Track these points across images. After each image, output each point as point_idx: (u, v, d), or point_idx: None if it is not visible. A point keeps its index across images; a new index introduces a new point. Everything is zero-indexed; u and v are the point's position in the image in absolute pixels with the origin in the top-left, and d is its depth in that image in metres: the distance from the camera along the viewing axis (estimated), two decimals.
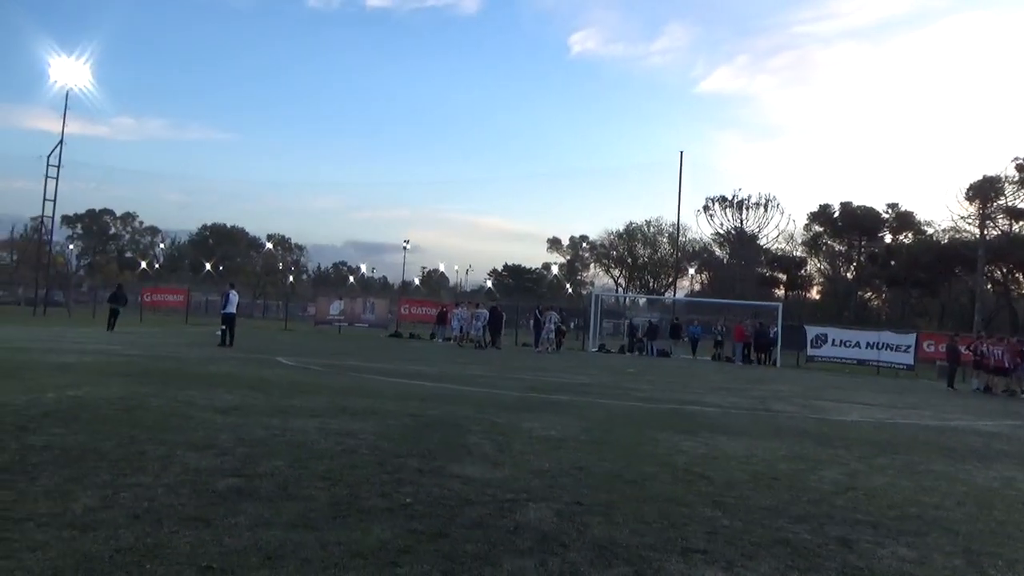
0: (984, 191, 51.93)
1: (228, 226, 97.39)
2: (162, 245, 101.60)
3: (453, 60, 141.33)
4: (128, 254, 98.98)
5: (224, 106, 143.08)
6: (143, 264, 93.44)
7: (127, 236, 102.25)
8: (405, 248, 77.39)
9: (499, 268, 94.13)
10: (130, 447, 5.54)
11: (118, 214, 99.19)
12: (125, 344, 17.94)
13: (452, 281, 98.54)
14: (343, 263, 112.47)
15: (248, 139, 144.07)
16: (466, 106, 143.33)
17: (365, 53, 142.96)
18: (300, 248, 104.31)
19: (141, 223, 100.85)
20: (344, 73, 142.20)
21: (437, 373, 14.90)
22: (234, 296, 20.13)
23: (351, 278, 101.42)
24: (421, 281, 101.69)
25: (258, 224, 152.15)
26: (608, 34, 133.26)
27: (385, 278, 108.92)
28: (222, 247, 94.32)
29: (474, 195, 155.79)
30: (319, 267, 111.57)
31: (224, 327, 19.40)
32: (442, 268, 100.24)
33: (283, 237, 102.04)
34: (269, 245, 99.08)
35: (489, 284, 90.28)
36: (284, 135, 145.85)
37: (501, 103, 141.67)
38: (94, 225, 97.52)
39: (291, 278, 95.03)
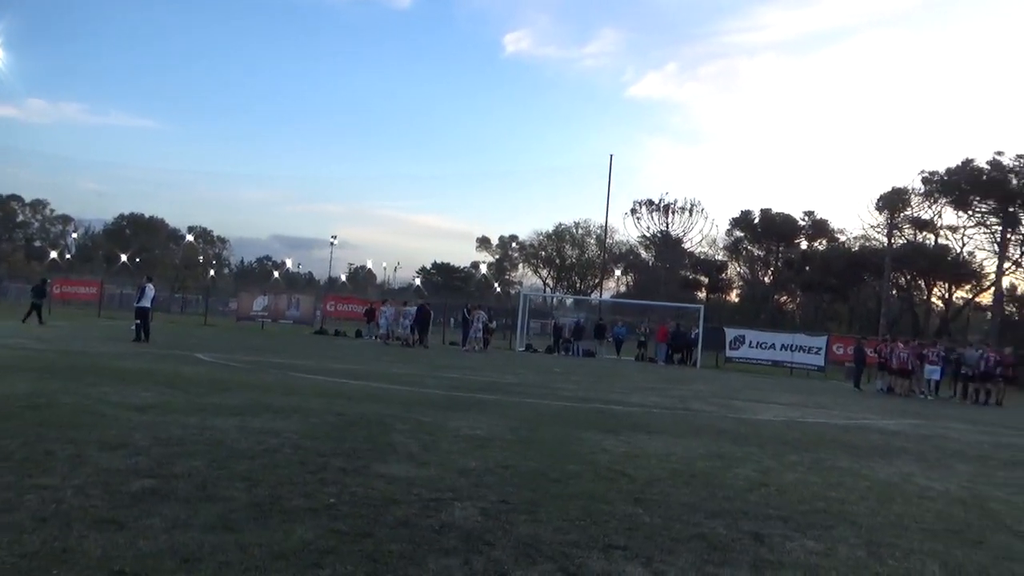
0: (892, 202, 54.73)
1: (146, 216, 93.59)
2: (74, 235, 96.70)
3: (386, 54, 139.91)
4: (37, 243, 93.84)
5: (145, 92, 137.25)
6: (53, 254, 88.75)
7: (36, 224, 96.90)
8: (333, 244, 76.18)
9: (428, 266, 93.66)
10: (37, 446, 5.29)
11: (27, 200, 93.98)
12: (32, 338, 17.03)
13: (380, 278, 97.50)
14: (268, 258, 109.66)
15: (170, 127, 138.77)
16: (398, 101, 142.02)
17: (295, 43, 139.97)
18: (223, 241, 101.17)
19: (52, 211, 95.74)
20: (273, 63, 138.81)
21: (363, 371, 14.73)
22: (150, 290, 19.38)
23: (276, 273, 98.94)
24: (348, 278, 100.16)
25: (179, 215, 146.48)
26: (542, 35, 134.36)
27: (311, 274, 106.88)
28: (139, 238, 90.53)
29: (405, 192, 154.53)
30: (242, 261, 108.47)
31: (138, 322, 18.66)
32: (370, 265, 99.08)
33: (205, 229, 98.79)
34: (190, 237, 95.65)
35: (417, 282, 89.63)
36: (208, 124, 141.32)
37: (434, 100, 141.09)
38: (0, 211, 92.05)
39: (212, 272, 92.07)
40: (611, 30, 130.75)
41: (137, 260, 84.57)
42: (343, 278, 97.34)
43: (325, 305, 36.34)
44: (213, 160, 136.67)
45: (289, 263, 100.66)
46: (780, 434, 9.83)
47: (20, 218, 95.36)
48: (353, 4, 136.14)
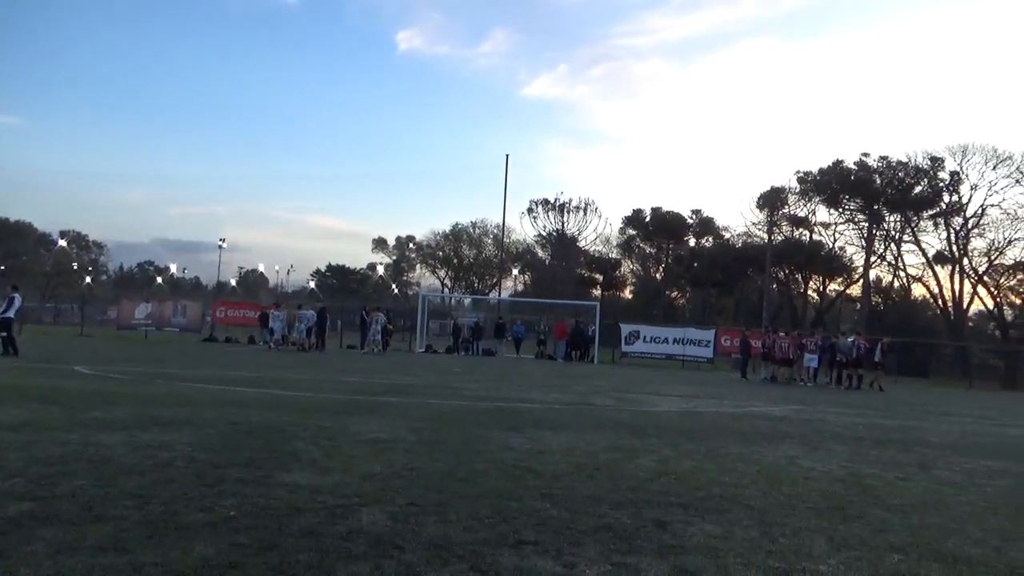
0: (772, 200, 58.01)
1: (12, 220, 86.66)
2: None
3: (275, 50, 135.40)
4: None
5: (7, 86, 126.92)
6: None
7: None
8: (221, 247, 72.80)
9: (323, 268, 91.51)
10: None
11: None
12: None
13: (273, 282, 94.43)
14: (150, 263, 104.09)
15: (36, 124, 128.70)
16: (288, 99, 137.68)
17: (176, 36, 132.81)
18: (99, 246, 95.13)
19: None
20: (151, 57, 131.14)
21: (258, 378, 14.22)
22: (17, 300, 17.97)
23: (159, 278, 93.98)
24: (239, 282, 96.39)
25: (49, 219, 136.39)
26: (435, 34, 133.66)
27: (198, 279, 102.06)
28: (5, 244, 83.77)
29: (297, 193, 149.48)
30: (122, 267, 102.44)
31: (3, 334, 17.26)
32: (261, 268, 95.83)
33: (79, 234, 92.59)
34: (62, 242, 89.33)
35: (312, 285, 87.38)
36: (79, 122, 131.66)
37: (326, 98, 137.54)
38: None
39: (89, 279, 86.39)
40: (503, 30, 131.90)
41: (2, 268, 78.24)
42: (233, 282, 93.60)
43: (215, 311, 34.83)
44: (86, 160, 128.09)
45: (174, 268, 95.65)
46: (676, 424, 10.22)
47: None
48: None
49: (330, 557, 3.57)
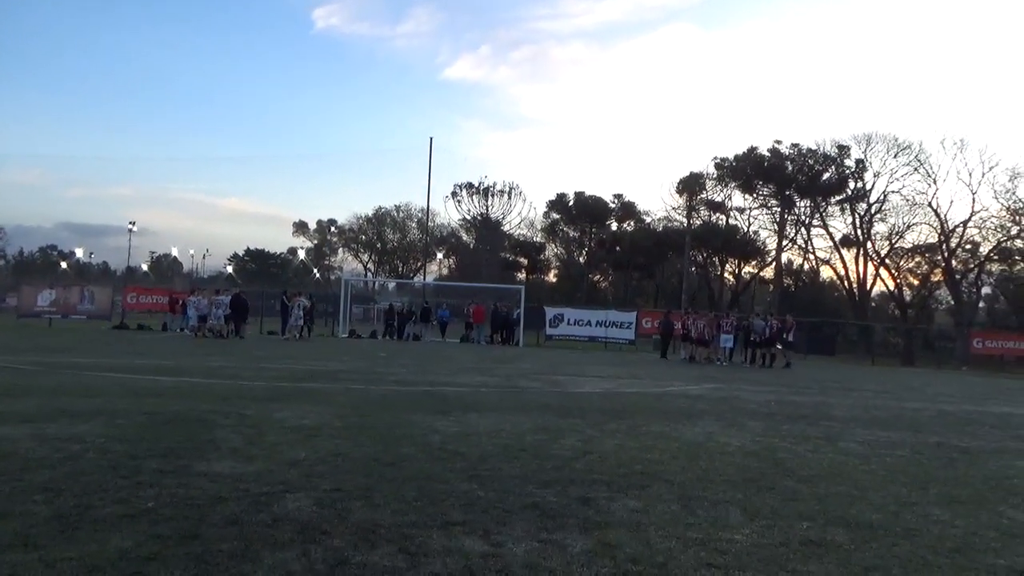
0: (690, 185, 59.53)
1: None
2: None
3: (184, 23, 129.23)
4: None
5: None
6: None
7: None
8: (131, 231, 69.57)
9: (240, 253, 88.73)
10: None
11: None
12: None
13: (187, 267, 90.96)
14: (53, 247, 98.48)
15: None
16: (197, 76, 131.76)
17: (78, 8, 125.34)
18: None
19: None
20: (47, 29, 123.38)
21: (174, 366, 13.72)
22: None
23: (63, 264, 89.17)
24: (150, 267, 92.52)
25: None
26: (352, 12, 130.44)
27: (106, 264, 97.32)
28: None
29: (210, 175, 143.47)
30: (22, 252, 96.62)
31: None
32: (175, 253, 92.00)
33: None
34: None
35: (229, 270, 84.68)
36: None
37: (238, 76, 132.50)
38: None
39: None
40: (424, 9, 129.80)
41: None
42: (145, 267, 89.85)
43: (125, 297, 33.32)
44: None
45: (80, 253, 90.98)
46: (599, 405, 10.45)
47: None
48: None
49: (255, 545, 3.53)
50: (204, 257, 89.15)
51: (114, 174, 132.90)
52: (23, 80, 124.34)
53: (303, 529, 3.81)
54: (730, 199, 60.97)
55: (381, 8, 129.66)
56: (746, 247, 59.86)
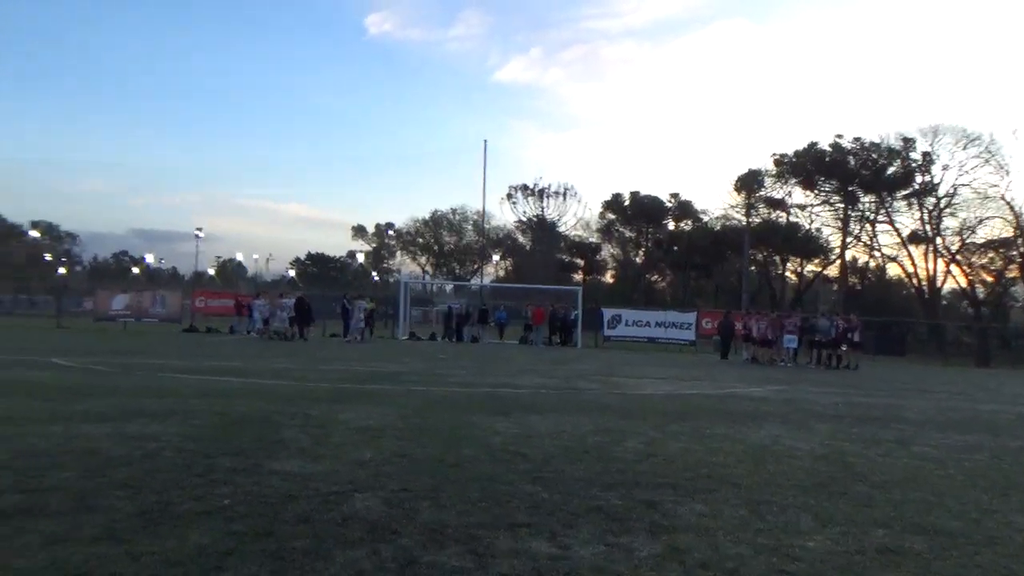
0: (749, 183, 58.41)
1: None
2: None
3: (244, 37, 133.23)
4: None
5: None
6: None
7: None
8: (198, 236, 71.98)
9: (302, 257, 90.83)
10: None
11: None
12: None
13: (251, 271, 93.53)
14: (125, 253, 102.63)
15: (2, 113, 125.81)
16: (256, 85, 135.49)
17: (145, 22, 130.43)
18: (72, 237, 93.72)
19: None
20: (120, 44, 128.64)
21: (242, 368, 14.14)
22: None
23: (135, 269, 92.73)
24: (216, 272, 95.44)
25: (17, 209, 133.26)
26: (405, 17, 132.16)
27: (175, 269, 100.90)
28: None
29: (272, 181, 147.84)
30: (96, 258, 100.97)
31: None
32: (239, 257, 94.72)
33: (51, 224, 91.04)
34: (34, 233, 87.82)
35: (292, 273, 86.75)
36: (43, 110, 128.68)
37: (298, 84, 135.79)
38: None
39: (63, 270, 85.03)
40: (474, 13, 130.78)
41: None
42: (211, 272, 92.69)
43: (194, 301, 34.49)
44: (54, 148, 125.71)
45: (150, 258, 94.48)
46: (661, 407, 10.33)
47: None
48: None
49: (327, 543, 3.60)
50: (267, 261, 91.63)
51: (182, 182, 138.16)
52: (97, 94, 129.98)
53: (372, 528, 3.87)
54: (790, 196, 59.61)
55: (432, 13, 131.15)
56: (808, 245, 58.38)
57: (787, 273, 63.65)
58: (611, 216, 70.47)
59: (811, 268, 62.08)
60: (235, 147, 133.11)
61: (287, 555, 3.39)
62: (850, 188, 54.45)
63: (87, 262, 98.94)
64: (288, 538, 3.64)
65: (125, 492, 4.38)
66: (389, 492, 4.65)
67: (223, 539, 3.58)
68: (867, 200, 55.60)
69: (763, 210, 60.54)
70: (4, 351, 16.44)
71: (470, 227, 79.47)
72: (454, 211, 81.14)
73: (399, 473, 5.22)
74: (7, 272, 72.53)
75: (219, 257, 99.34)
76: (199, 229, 69.71)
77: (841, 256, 57.43)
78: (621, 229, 71.62)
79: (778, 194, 59.63)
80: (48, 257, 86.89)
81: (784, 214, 60.28)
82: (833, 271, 60.54)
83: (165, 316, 32.96)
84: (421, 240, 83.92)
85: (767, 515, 4.55)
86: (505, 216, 72.65)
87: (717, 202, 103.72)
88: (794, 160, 56.83)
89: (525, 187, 68.99)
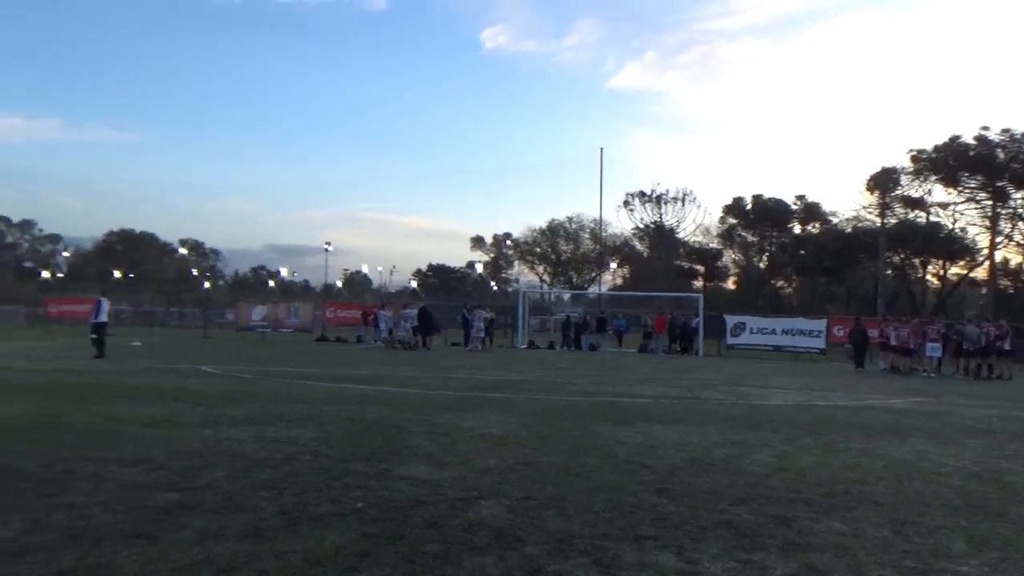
0: (883, 182, 54.93)
1: (136, 232, 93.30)
2: (65, 253, 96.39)
3: (365, 56, 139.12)
4: (27, 264, 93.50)
5: (122, 106, 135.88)
6: (44, 274, 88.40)
7: (26, 244, 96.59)
8: (327, 250, 75.74)
9: (423, 268, 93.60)
10: (56, 466, 5.28)
11: (15, 221, 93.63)
12: (32, 359, 16.99)
13: (376, 282, 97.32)
14: (262, 267, 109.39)
15: (151, 140, 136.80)
16: (380, 103, 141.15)
17: (272, 50, 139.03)
18: (215, 253, 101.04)
19: (41, 230, 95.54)
20: (250, 71, 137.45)
21: (369, 376, 14.73)
22: (105, 304, 18.76)
23: (271, 282, 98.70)
24: (344, 283, 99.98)
25: (169, 229, 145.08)
26: (519, 30, 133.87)
27: (307, 281, 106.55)
28: (131, 254, 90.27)
29: (394, 194, 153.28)
30: (236, 272, 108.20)
31: (94, 336, 18.06)
32: (365, 269, 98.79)
33: (197, 242, 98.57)
34: (182, 251, 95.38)
35: (414, 284, 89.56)
36: (189, 136, 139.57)
37: (416, 99, 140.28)
38: None
39: (207, 284, 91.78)
40: (588, 21, 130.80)
41: (130, 276, 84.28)
42: (339, 284, 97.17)
43: (324, 312, 36.29)
44: (199, 172, 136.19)
45: (284, 272, 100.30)
46: (791, 418, 9.87)
47: (9, 239, 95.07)
48: (328, 8, 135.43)
49: (455, 548, 3.67)
50: (391, 273, 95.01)
51: (310, 198, 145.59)
52: (234, 120, 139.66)
53: (499, 535, 3.92)
54: (930, 194, 55.43)
55: (546, 24, 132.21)
56: (951, 246, 54.17)
57: (928, 277, 59.39)
58: (732, 220, 68.25)
59: (955, 271, 57.65)
60: (359, 164, 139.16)
61: (418, 559, 3.49)
62: (999, 183, 50.12)
63: (228, 276, 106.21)
64: (419, 542, 3.75)
65: (268, 493, 4.66)
66: (514, 500, 4.70)
67: (358, 540, 3.73)
68: (1019, 196, 50.99)
69: (899, 210, 56.70)
70: (160, 360, 17.89)
71: (587, 235, 79.32)
72: (570, 220, 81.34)
73: (523, 481, 5.27)
74: (160, 286, 79.03)
75: (346, 269, 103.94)
76: (327, 243, 73.32)
77: (990, 257, 52.91)
78: (743, 234, 69.20)
79: (916, 192, 55.67)
80: (195, 272, 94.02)
81: (924, 214, 56.25)
82: (980, 273, 55.91)
83: (298, 326, 34.84)
84: (538, 249, 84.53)
85: (913, 536, 4.25)
86: (622, 223, 71.94)
87: (847, 203, 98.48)
88: (934, 156, 52.93)
89: (642, 193, 68.09)
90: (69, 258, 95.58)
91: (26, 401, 8.95)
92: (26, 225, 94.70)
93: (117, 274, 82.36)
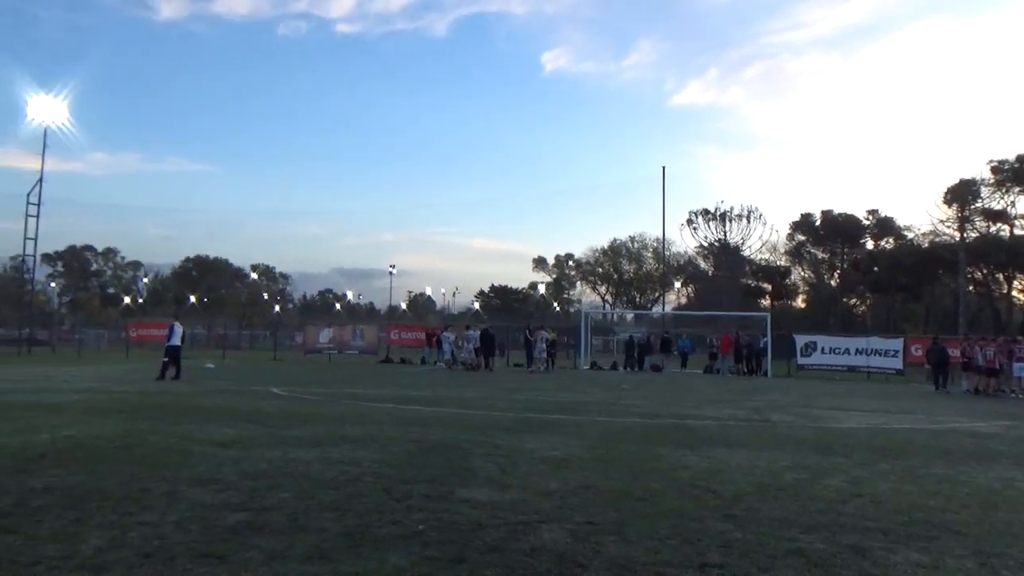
0: (961, 194, 52.71)
1: (211, 258, 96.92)
2: (145, 279, 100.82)
3: (429, 82, 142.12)
4: (111, 290, 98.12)
5: (198, 137, 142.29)
6: (127, 299, 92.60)
7: (109, 272, 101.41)
8: (391, 273, 77.30)
9: (486, 289, 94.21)
10: (132, 485, 5.48)
11: (99, 249, 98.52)
12: (114, 381, 17.76)
13: (439, 304, 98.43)
14: (329, 291, 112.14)
15: (225, 169, 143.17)
16: (443, 128, 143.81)
17: (339, 78, 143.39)
18: (285, 277, 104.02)
19: (123, 258, 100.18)
20: (317, 99, 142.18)
21: (432, 397, 14.85)
22: (178, 328, 19.48)
23: (338, 305, 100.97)
24: (408, 306, 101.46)
25: (241, 254, 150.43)
26: (579, 51, 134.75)
27: (372, 304, 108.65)
28: (206, 279, 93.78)
29: (457, 217, 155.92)
30: (305, 295, 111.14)
31: (167, 359, 18.73)
32: (429, 292, 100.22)
33: (268, 267, 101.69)
34: (254, 275, 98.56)
35: (476, 306, 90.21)
36: (261, 164, 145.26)
37: (478, 124, 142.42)
38: (75, 262, 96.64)
39: (277, 307, 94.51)
40: (648, 41, 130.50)
41: (205, 300, 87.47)
42: (404, 306, 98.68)
43: (389, 334, 36.85)
44: (269, 199, 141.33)
45: (350, 295, 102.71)
46: (866, 442, 9.48)
47: (94, 267, 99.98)
48: (390, 35, 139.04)
49: (516, 573, 3.64)
50: (454, 295, 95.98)
51: (376, 222, 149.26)
52: (303, 148, 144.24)
53: (559, 560, 3.87)
54: (1013, 206, 52.94)
55: (606, 44, 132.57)
56: None
57: (1014, 293, 56.45)
58: (800, 237, 66.58)
59: None
60: (425, 188, 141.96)
61: None
62: None
63: (297, 300, 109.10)
64: (479, 566, 3.73)
65: (332, 514, 4.72)
66: (575, 524, 4.64)
67: (419, 563, 3.74)
68: None
69: (980, 223, 54.30)
70: (233, 381, 18.44)
71: (650, 254, 78.58)
72: (632, 239, 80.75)
73: (584, 505, 5.20)
74: (233, 310, 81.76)
75: (411, 292, 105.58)
76: (392, 266, 74.90)
77: None
78: (812, 251, 67.41)
79: (998, 205, 53.27)
80: (265, 296, 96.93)
81: (1007, 227, 53.71)
82: None
83: (364, 348, 35.46)
84: (600, 270, 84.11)
85: (1001, 569, 4.01)
86: (686, 242, 71.04)
87: (923, 217, 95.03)
88: (1016, 166, 50.61)
89: (706, 211, 67.12)
90: (149, 284, 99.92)
91: (107, 422, 9.35)
92: (109, 253, 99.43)
93: (192, 299, 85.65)
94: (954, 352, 23.94)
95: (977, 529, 4.91)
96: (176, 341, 19.01)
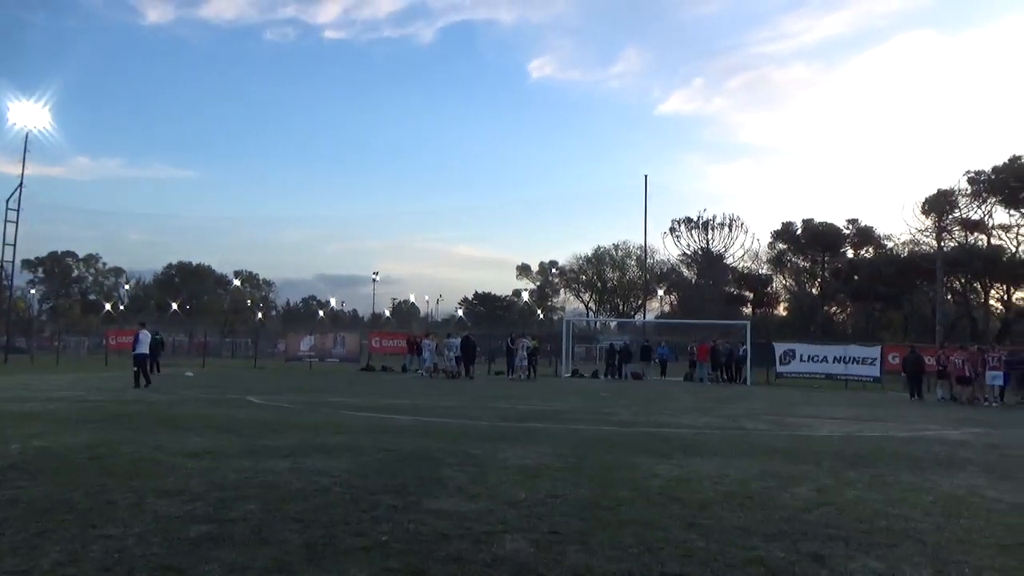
0: (939, 205, 53.36)
1: (193, 264, 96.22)
2: (126, 286, 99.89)
3: (415, 89, 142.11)
4: (92, 296, 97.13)
5: (182, 143, 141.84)
6: (108, 306, 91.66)
7: (90, 278, 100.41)
8: (375, 280, 77.08)
9: (470, 296, 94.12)
10: (99, 497, 5.44)
11: (81, 255, 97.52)
12: (90, 389, 17.58)
13: (423, 311, 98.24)
14: (313, 297, 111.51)
15: (208, 175, 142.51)
16: (429, 135, 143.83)
17: (325, 85, 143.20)
18: (268, 284, 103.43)
19: (104, 264, 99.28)
20: (303, 105, 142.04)
21: (411, 406, 14.82)
22: (144, 336, 19.31)
23: (321, 312, 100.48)
24: (392, 313, 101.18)
25: (225, 260, 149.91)
26: (566, 60, 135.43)
27: (355, 311, 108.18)
28: (188, 286, 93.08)
29: (442, 224, 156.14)
30: (288, 302, 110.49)
31: (136, 368, 18.59)
32: (412, 299, 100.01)
33: (251, 273, 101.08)
34: (236, 282, 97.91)
35: (460, 313, 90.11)
36: (245, 170, 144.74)
37: (464, 131, 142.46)
38: (56, 268, 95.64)
39: (260, 315, 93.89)
40: (634, 50, 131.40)
41: (187, 307, 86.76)
42: (387, 313, 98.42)
43: (370, 341, 36.73)
44: (253, 205, 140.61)
45: (333, 302, 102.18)
46: (837, 450, 9.58)
47: (75, 273, 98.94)
48: (377, 42, 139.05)
49: None
50: (438, 302, 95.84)
51: (361, 229, 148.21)
52: (286, 154, 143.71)
53: (520, 570, 3.89)
54: (990, 216, 53.65)
55: (592, 53, 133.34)
56: (1016, 270, 52.09)
57: (991, 302, 57.17)
58: (782, 246, 67.08)
59: (1021, 296, 55.37)
60: (410, 195, 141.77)
61: None
62: None
63: (281, 306, 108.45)
64: None
65: (297, 525, 4.72)
66: (540, 534, 4.66)
67: (379, 575, 3.74)
68: None
69: (958, 233, 54.98)
70: (211, 390, 18.30)
71: (633, 262, 78.85)
72: (616, 247, 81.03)
73: (551, 514, 5.22)
74: (216, 317, 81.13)
75: (394, 299, 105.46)
76: (375, 273, 74.66)
77: None
78: (794, 259, 67.92)
79: (975, 215, 53.98)
80: (249, 303, 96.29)
81: (984, 236, 54.43)
82: None
83: (345, 356, 35.32)
84: (584, 277, 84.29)
85: None
86: (669, 250, 71.41)
87: (902, 227, 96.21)
88: (993, 177, 51.31)
89: (688, 220, 67.54)
90: (131, 290, 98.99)
91: (80, 431, 9.26)
92: (91, 259, 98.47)
93: (175, 306, 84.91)
94: (930, 360, 24.22)
95: (937, 536, 4.98)
96: (143, 349, 18.86)
